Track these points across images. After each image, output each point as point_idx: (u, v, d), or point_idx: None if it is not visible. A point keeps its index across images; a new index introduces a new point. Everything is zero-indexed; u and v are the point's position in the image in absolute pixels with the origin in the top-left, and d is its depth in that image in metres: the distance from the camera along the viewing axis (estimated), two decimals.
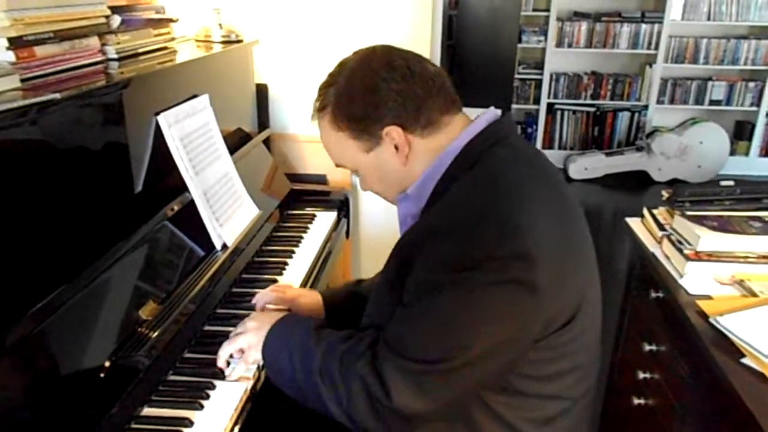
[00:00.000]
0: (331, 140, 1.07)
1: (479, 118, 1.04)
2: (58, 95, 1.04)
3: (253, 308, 1.31)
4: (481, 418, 0.97)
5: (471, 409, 0.97)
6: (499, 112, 1.06)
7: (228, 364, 1.13)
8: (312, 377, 0.98)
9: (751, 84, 4.73)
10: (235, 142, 1.80)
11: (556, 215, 0.95)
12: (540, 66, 4.93)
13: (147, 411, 1.04)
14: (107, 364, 1.00)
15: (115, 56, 1.44)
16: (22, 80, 1.13)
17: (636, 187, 4.63)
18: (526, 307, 0.89)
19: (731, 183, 1.69)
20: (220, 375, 1.12)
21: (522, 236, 0.87)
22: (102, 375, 0.99)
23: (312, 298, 1.34)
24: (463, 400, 0.96)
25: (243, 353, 1.12)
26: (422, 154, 1.02)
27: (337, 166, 1.11)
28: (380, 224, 2.36)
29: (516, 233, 0.87)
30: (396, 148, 1.01)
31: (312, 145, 2.27)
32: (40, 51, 1.20)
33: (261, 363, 1.11)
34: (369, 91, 1.00)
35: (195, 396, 1.07)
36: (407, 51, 1.04)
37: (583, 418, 1.07)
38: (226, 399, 1.08)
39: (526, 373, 0.95)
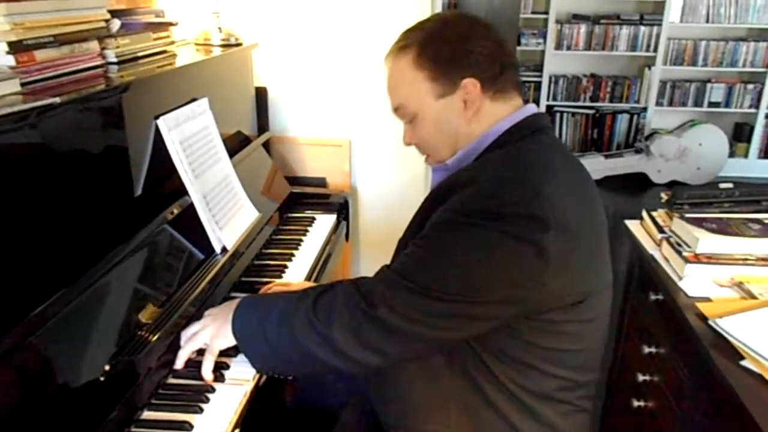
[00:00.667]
0: (404, 79, 1.07)
1: (524, 107, 1.09)
2: (57, 99, 1.04)
3: None
4: (486, 384, 0.99)
5: (476, 374, 0.99)
6: (536, 108, 1.12)
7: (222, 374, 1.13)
8: (286, 320, 1.00)
9: (750, 86, 4.74)
10: (235, 145, 1.81)
11: (580, 201, 0.99)
12: (539, 68, 4.93)
13: (147, 414, 1.04)
14: (107, 367, 1.00)
15: (115, 60, 1.44)
16: (22, 84, 1.13)
17: (635, 189, 4.63)
18: (528, 268, 0.91)
19: (730, 185, 1.69)
20: (220, 378, 1.12)
21: (543, 203, 0.91)
22: (102, 378, 0.99)
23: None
24: (443, 342, 0.97)
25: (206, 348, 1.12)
26: (485, 116, 1.06)
27: (395, 110, 1.11)
28: (380, 227, 2.37)
29: (538, 198, 0.91)
30: (465, 103, 1.04)
31: (312, 147, 2.28)
32: (40, 55, 1.20)
33: (228, 346, 1.11)
34: (463, 39, 1.03)
35: (195, 399, 1.07)
36: None
37: (584, 411, 1.08)
38: (226, 402, 1.08)
39: (526, 339, 0.97)
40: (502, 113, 1.07)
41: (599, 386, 2.01)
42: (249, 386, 1.12)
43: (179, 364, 1.12)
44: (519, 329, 0.96)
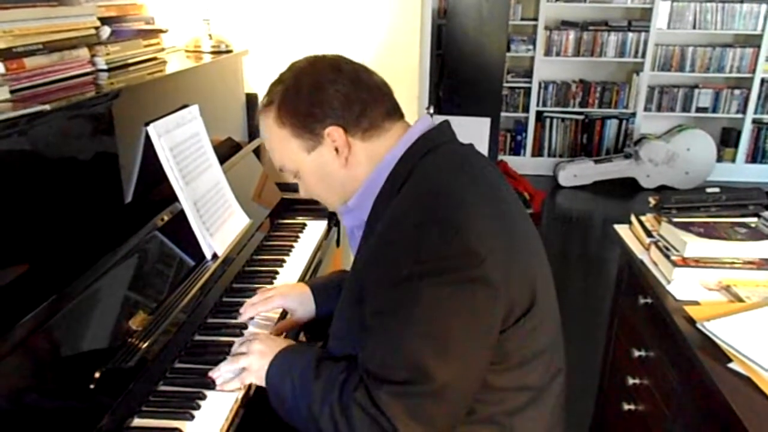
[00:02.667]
0: (274, 138, 1.07)
1: (412, 128, 1.05)
2: (47, 106, 1.04)
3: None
4: None
5: None
6: (430, 120, 1.08)
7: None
8: (312, 409, 0.97)
9: (737, 91, 4.80)
10: (225, 151, 1.81)
11: (493, 213, 0.96)
12: (529, 74, 4.97)
13: (137, 422, 1.03)
14: (97, 374, 1.00)
15: (105, 67, 1.44)
16: (12, 91, 1.13)
17: (624, 193, 4.67)
18: (484, 303, 0.90)
19: (717, 190, 1.71)
20: (211, 385, 1.12)
21: (463, 234, 0.89)
22: (92, 386, 0.98)
23: (301, 292, 1.34)
24: (460, 415, 0.95)
25: (242, 371, 1.11)
26: (363, 158, 1.04)
27: (280, 170, 1.11)
28: None
29: (457, 233, 0.89)
30: (336, 150, 1.02)
31: None
32: (29, 62, 1.20)
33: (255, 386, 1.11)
34: (315, 90, 1.01)
35: (186, 406, 1.07)
36: (355, 62, 1.07)
37: (555, 412, 1.07)
38: (217, 409, 1.07)
39: (492, 365, 0.95)
40: (383, 147, 1.04)
41: (589, 391, 2.03)
42: (240, 394, 1.11)
43: (216, 378, 1.12)
44: None
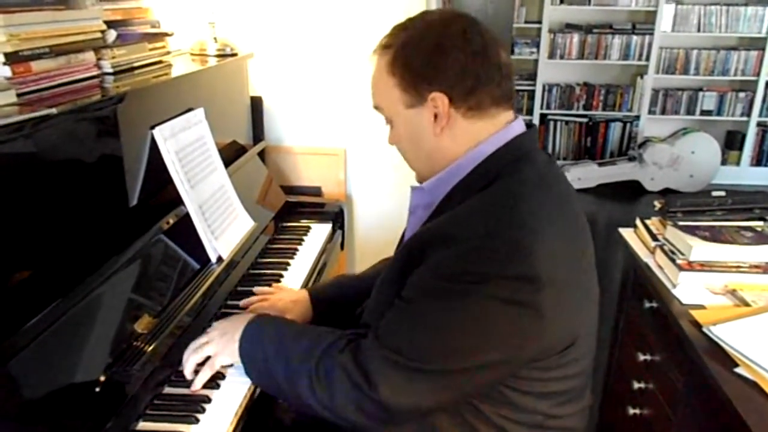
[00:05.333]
0: (380, 81, 1.03)
1: (508, 127, 1.02)
2: (54, 110, 1.04)
3: None
4: (482, 426, 0.97)
5: (472, 419, 0.97)
6: (523, 124, 1.05)
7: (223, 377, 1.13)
8: (291, 372, 0.98)
9: (742, 94, 4.78)
10: (230, 154, 1.81)
11: (569, 243, 0.95)
12: (533, 77, 4.97)
13: (142, 425, 1.03)
14: (102, 378, 1.00)
15: (111, 70, 1.44)
16: (18, 95, 1.14)
17: (629, 196, 4.66)
18: (526, 330, 0.89)
19: (723, 193, 1.70)
20: (216, 387, 1.12)
21: (532, 260, 0.87)
22: (97, 389, 0.99)
23: (298, 297, 1.36)
24: (447, 406, 0.95)
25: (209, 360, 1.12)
26: (458, 134, 1.00)
27: (375, 108, 1.08)
28: (375, 236, 2.37)
29: (527, 256, 0.87)
30: (435, 117, 0.99)
31: (307, 157, 2.28)
32: (36, 66, 1.20)
33: (230, 363, 1.12)
34: (437, 51, 0.97)
35: (190, 409, 1.07)
36: (489, 30, 1.02)
37: (578, 428, 1.07)
38: (222, 412, 1.07)
39: (518, 388, 0.95)
40: (480, 133, 1.00)
41: (594, 395, 2.02)
42: (245, 396, 1.11)
43: (188, 375, 1.12)
44: (506, 377, 0.94)
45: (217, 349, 1.11)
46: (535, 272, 0.86)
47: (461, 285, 0.87)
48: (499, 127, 1.01)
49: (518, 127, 1.03)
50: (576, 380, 1.00)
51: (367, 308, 1.10)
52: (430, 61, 0.98)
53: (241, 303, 1.37)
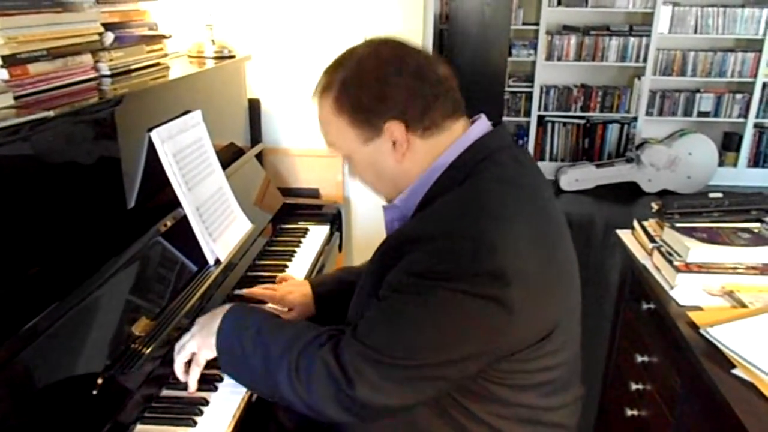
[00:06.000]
0: (329, 123, 1.04)
1: (469, 131, 1.03)
2: (51, 113, 1.04)
3: None
4: (468, 423, 0.98)
5: (457, 415, 0.98)
6: (487, 123, 1.06)
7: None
8: (270, 365, 0.98)
9: (738, 96, 4.79)
10: (228, 156, 1.81)
11: (538, 238, 0.95)
12: (530, 79, 4.97)
13: (140, 428, 1.03)
14: (100, 381, 1.00)
15: (108, 73, 1.44)
16: (16, 98, 1.14)
17: (626, 198, 4.66)
18: (496, 324, 0.90)
19: (720, 195, 1.71)
20: (213, 390, 1.12)
21: (498, 256, 0.88)
22: (95, 392, 0.99)
23: (301, 291, 1.37)
24: (422, 402, 0.96)
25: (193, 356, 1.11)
26: (419, 154, 1.02)
27: (329, 147, 1.08)
28: (373, 238, 2.37)
29: (492, 252, 0.88)
30: (393, 144, 1.00)
31: (305, 159, 2.28)
32: (33, 68, 1.20)
33: (213, 357, 1.10)
34: (378, 82, 0.98)
35: (188, 412, 1.07)
36: (419, 49, 1.04)
37: (569, 422, 1.07)
38: (220, 415, 1.07)
39: (499, 381, 0.96)
40: (440, 147, 1.02)
41: (592, 396, 2.02)
42: (243, 399, 1.11)
43: (180, 376, 1.12)
44: (488, 372, 0.95)
45: (198, 343, 1.10)
46: (501, 268, 0.88)
47: (431, 282, 0.89)
48: (457, 136, 1.02)
49: (479, 129, 1.04)
50: (559, 371, 1.00)
51: (350, 308, 1.11)
52: (375, 93, 0.98)
53: (244, 292, 1.39)
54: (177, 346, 1.14)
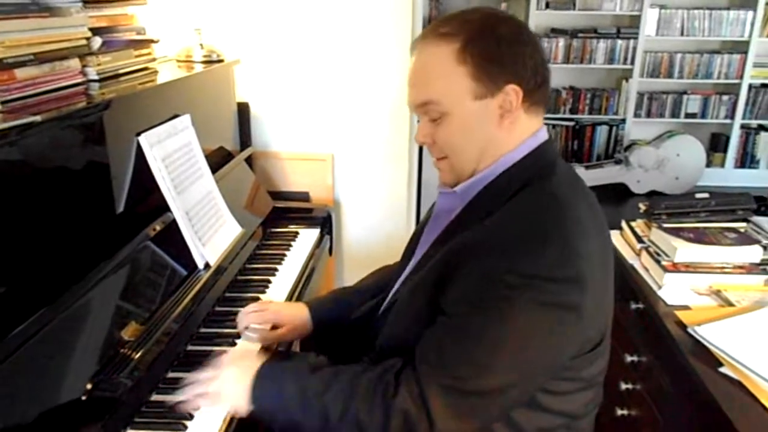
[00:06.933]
0: (442, 70, 0.95)
1: (538, 132, 1.01)
2: (38, 117, 1.04)
3: (235, 328, 1.31)
4: (502, 427, 0.96)
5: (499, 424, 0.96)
6: (546, 132, 1.04)
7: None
8: (330, 420, 0.92)
9: (725, 97, 4.83)
10: (217, 160, 1.81)
11: (601, 241, 0.97)
12: None
13: None
14: (89, 386, 1.00)
15: (96, 77, 1.44)
16: (2, 102, 1.13)
17: (615, 199, 4.68)
18: (570, 330, 0.89)
19: (706, 195, 1.72)
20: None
21: (580, 261, 0.87)
22: (84, 398, 0.98)
23: (296, 310, 1.30)
24: (495, 419, 0.94)
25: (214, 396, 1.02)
26: (518, 127, 0.98)
27: (420, 105, 0.98)
28: (363, 241, 2.37)
29: (576, 257, 0.87)
30: (501, 110, 0.96)
31: (294, 162, 2.28)
32: (20, 73, 1.20)
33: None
34: (515, 41, 0.95)
35: (179, 417, 1.06)
36: None
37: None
38: (210, 419, 1.07)
39: (550, 389, 0.95)
40: (532, 129, 1.00)
41: None
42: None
43: (181, 405, 1.04)
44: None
45: (224, 391, 1.01)
46: (582, 274, 0.87)
47: (508, 291, 0.85)
48: (538, 127, 1.01)
49: (543, 134, 1.02)
50: (600, 376, 1.02)
51: (389, 330, 1.04)
52: (509, 51, 0.94)
53: (238, 318, 1.29)
54: (198, 383, 1.03)
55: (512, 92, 0.95)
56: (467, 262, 0.90)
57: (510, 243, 0.88)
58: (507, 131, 0.98)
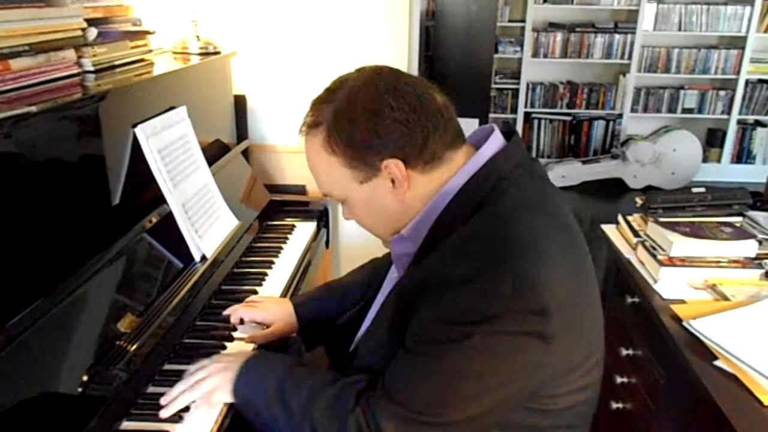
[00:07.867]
0: (320, 163, 0.96)
1: (477, 154, 0.96)
2: (33, 108, 1.03)
3: (229, 321, 1.32)
4: None
5: None
6: (500, 140, 0.98)
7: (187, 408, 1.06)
8: (294, 422, 0.94)
9: (722, 92, 4.84)
10: (214, 153, 1.80)
11: (569, 265, 0.90)
12: (516, 76, 5.00)
13: (126, 425, 1.03)
14: (85, 378, 0.99)
15: (92, 69, 1.43)
16: None
17: (612, 194, 4.70)
18: (535, 357, 0.86)
19: (702, 190, 1.73)
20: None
21: (538, 291, 0.83)
22: (80, 389, 0.98)
23: (283, 309, 1.33)
24: None
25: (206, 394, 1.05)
26: (420, 191, 0.95)
27: (324, 194, 1.02)
28: (360, 234, 2.36)
29: (532, 288, 0.82)
30: (393, 182, 0.94)
31: (291, 155, 2.27)
32: (15, 64, 1.19)
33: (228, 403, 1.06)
34: (373, 117, 0.90)
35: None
36: (415, 77, 0.97)
37: None
38: (206, 411, 1.07)
39: (533, 407, 0.92)
40: (443, 178, 0.95)
41: None
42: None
43: (169, 408, 1.05)
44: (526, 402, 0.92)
45: (216, 383, 1.04)
46: (543, 302, 0.83)
47: (469, 327, 0.83)
48: (460, 165, 0.96)
49: (491, 148, 0.96)
50: (589, 391, 0.98)
51: (362, 344, 1.05)
52: (371, 130, 0.90)
53: (229, 313, 1.33)
54: (190, 377, 1.07)
55: (393, 166, 0.92)
56: (421, 296, 0.88)
57: (461, 277, 0.85)
58: (411, 197, 0.95)
